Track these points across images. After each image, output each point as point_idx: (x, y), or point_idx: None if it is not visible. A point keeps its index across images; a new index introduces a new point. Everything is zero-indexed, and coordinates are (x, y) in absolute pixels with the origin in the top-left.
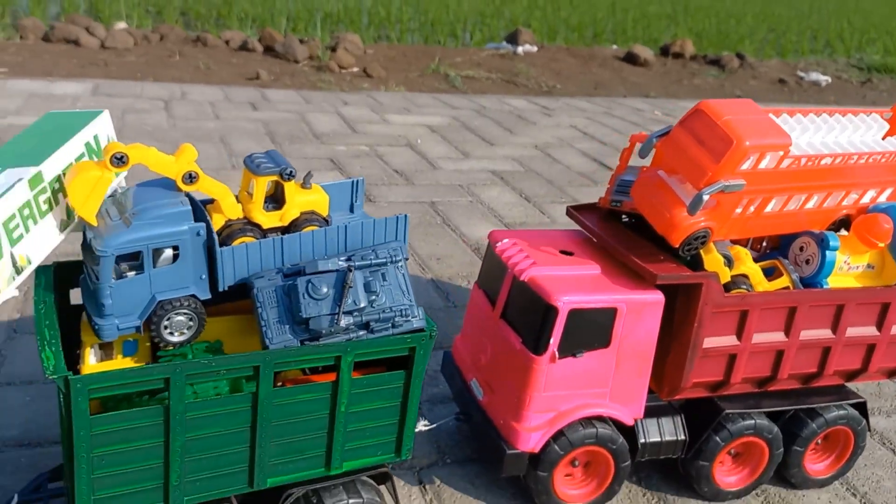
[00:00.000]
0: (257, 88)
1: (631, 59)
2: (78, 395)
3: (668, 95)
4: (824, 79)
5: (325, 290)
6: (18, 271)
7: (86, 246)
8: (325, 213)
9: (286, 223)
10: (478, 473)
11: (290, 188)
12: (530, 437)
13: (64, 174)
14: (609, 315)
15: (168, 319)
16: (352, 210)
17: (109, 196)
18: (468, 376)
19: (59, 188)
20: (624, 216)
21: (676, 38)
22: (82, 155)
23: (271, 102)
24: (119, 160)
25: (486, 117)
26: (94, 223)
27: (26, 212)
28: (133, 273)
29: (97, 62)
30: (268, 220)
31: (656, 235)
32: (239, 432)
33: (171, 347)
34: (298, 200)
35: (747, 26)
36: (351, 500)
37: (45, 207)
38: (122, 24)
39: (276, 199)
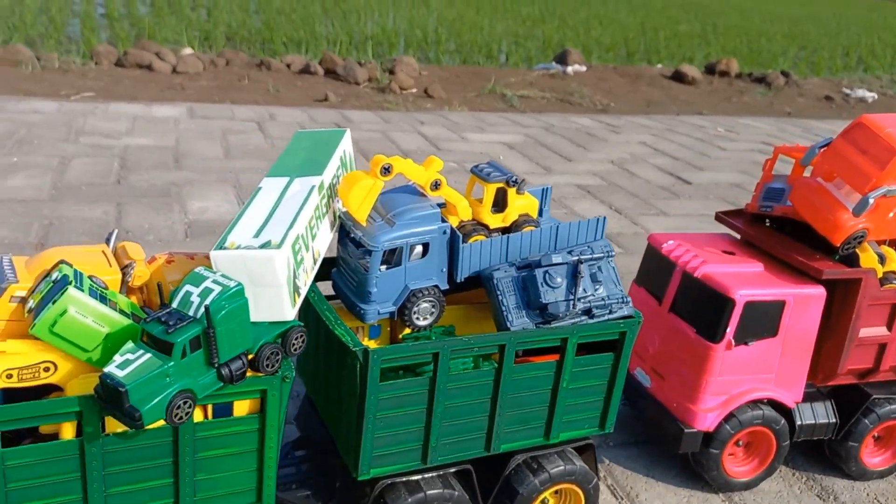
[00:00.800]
0: (337, 110)
1: (679, 77)
2: (374, 364)
3: (718, 112)
4: (870, 95)
5: (559, 280)
6: (315, 262)
7: (346, 244)
8: (535, 216)
9: (507, 224)
10: (640, 454)
11: (510, 194)
12: (706, 417)
13: (335, 183)
14: (778, 307)
15: (417, 306)
16: (541, 214)
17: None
18: (632, 367)
19: (330, 194)
20: (767, 221)
21: (709, 56)
22: (339, 167)
23: (354, 123)
24: (386, 170)
25: (556, 134)
26: (365, 224)
27: (317, 213)
28: (390, 267)
29: (174, 86)
30: (493, 221)
31: (804, 237)
32: (482, 403)
33: (415, 331)
34: (517, 205)
35: (779, 44)
36: (567, 467)
37: (324, 210)
38: (188, 50)
39: (497, 203)
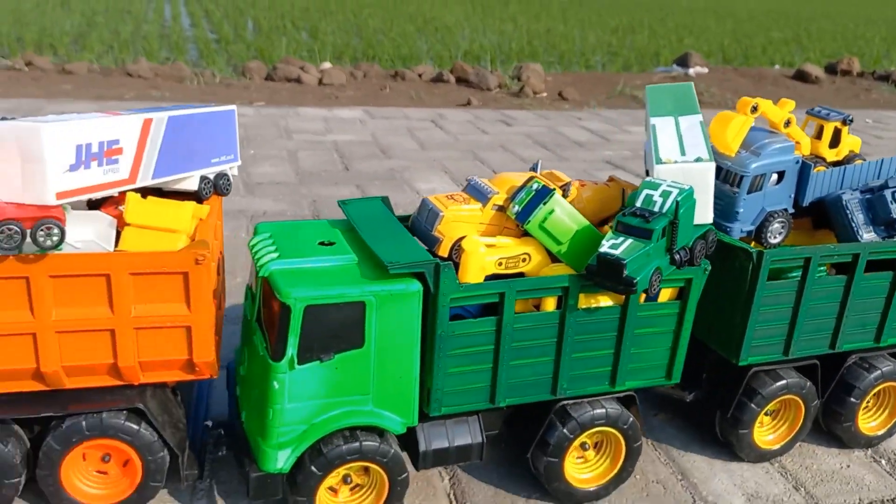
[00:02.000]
0: (493, 109)
1: (801, 76)
2: (765, 265)
3: (848, 108)
4: None
5: None
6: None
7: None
8: (858, 151)
9: (840, 158)
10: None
11: (844, 132)
12: None
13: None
14: None
15: (771, 226)
16: None
17: None
18: None
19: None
20: None
21: (808, 60)
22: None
23: (517, 120)
24: (754, 109)
25: None
26: (733, 154)
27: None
28: (751, 192)
29: (328, 96)
30: (829, 155)
31: None
32: (833, 306)
33: (768, 248)
34: (849, 142)
35: (878, 46)
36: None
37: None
38: (327, 64)
39: (832, 141)
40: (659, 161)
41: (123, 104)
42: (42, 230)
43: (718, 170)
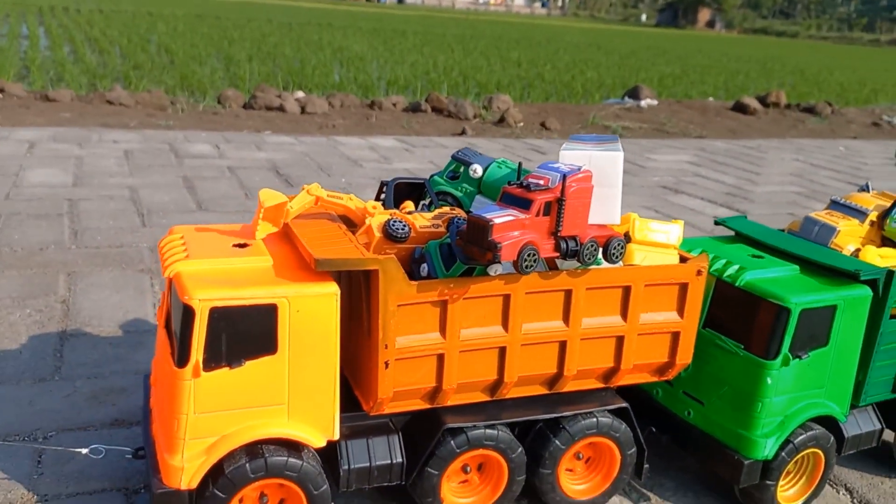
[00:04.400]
0: (513, 139)
1: (741, 108)
2: None
3: (790, 137)
4: None
5: None
6: None
7: None
8: None
9: None
10: None
11: None
12: None
13: None
14: None
15: None
16: None
17: None
18: None
19: None
20: None
21: (771, 90)
22: None
23: (543, 149)
24: None
25: (722, 154)
26: None
27: None
28: None
29: (325, 125)
30: None
31: None
32: None
33: None
34: None
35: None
36: None
37: None
38: (300, 93)
39: None
40: None
41: (150, 133)
42: (614, 247)
43: None
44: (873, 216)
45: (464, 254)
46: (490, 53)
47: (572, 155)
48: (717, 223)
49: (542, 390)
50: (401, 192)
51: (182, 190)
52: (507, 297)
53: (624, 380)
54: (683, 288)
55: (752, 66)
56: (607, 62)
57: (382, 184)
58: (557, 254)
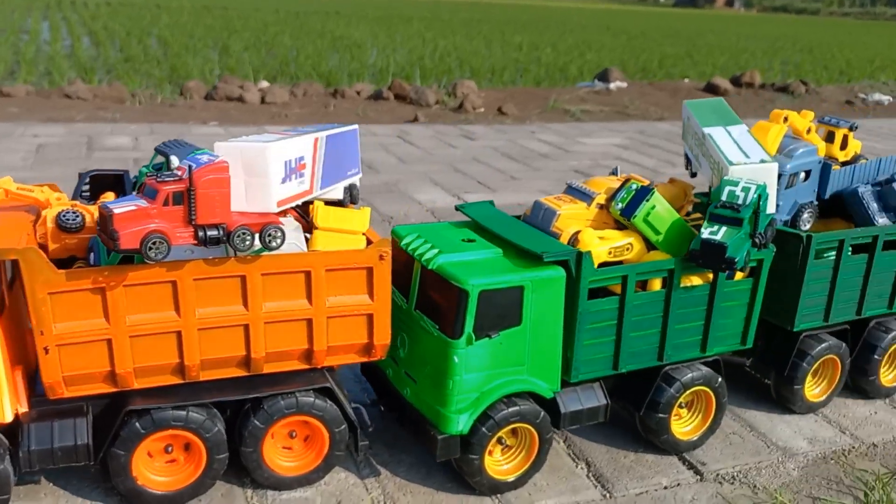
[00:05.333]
0: (456, 125)
1: (711, 89)
2: (813, 247)
3: (759, 117)
4: (886, 98)
5: None
6: None
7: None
8: (860, 153)
9: (848, 158)
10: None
11: (850, 137)
12: None
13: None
14: None
15: (802, 216)
16: None
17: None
18: None
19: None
20: None
21: (745, 70)
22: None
23: (477, 135)
24: (785, 119)
25: (655, 136)
26: (773, 154)
27: None
28: (787, 188)
29: (278, 114)
30: (841, 156)
31: None
32: (858, 279)
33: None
34: (854, 145)
35: (759, 61)
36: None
37: None
38: (264, 83)
39: (843, 144)
40: (731, 163)
41: (78, 126)
42: (269, 234)
43: None
44: (600, 199)
45: (101, 243)
46: (493, 38)
47: (225, 148)
48: (456, 209)
49: (241, 372)
50: (106, 183)
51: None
52: (174, 284)
53: (327, 361)
54: (370, 272)
55: (760, 45)
56: (612, 44)
57: (80, 175)
58: (195, 241)
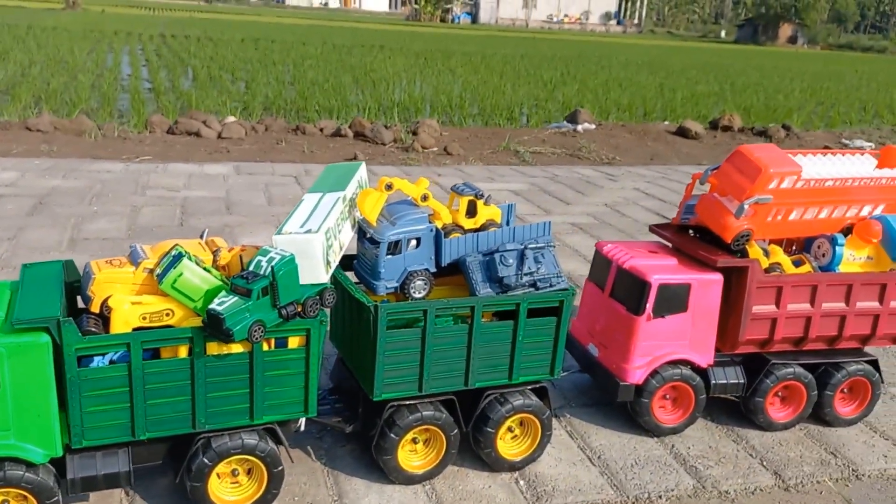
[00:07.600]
0: (384, 165)
1: (682, 132)
2: (382, 316)
3: (707, 163)
4: (868, 145)
5: (511, 260)
6: (341, 248)
7: (363, 241)
8: (499, 221)
9: (478, 226)
10: (596, 412)
11: (479, 205)
12: (635, 373)
13: (354, 197)
14: (685, 289)
15: (413, 283)
16: (508, 223)
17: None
18: (585, 342)
19: (351, 205)
20: (690, 230)
21: (724, 113)
22: (358, 186)
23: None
24: (388, 187)
25: (559, 183)
26: (375, 224)
27: (342, 216)
28: (394, 255)
29: (220, 150)
30: (467, 223)
31: (714, 241)
32: (460, 350)
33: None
34: (485, 212)
35: (795, 100)
36: (525, 401)
37: (346, 215)
38: (231, 118)
39: (469, 211)
40: (279, 232)
41: (9, 161)
42: None
43: (365, 235)
44: (148, 263)
45: None
46: (523, 74)
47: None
48: (22, 267)
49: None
50: None
51: None
52: None
53: None
54: None
55: (799, 85)
56: (645, 82)
57: None
58: None
